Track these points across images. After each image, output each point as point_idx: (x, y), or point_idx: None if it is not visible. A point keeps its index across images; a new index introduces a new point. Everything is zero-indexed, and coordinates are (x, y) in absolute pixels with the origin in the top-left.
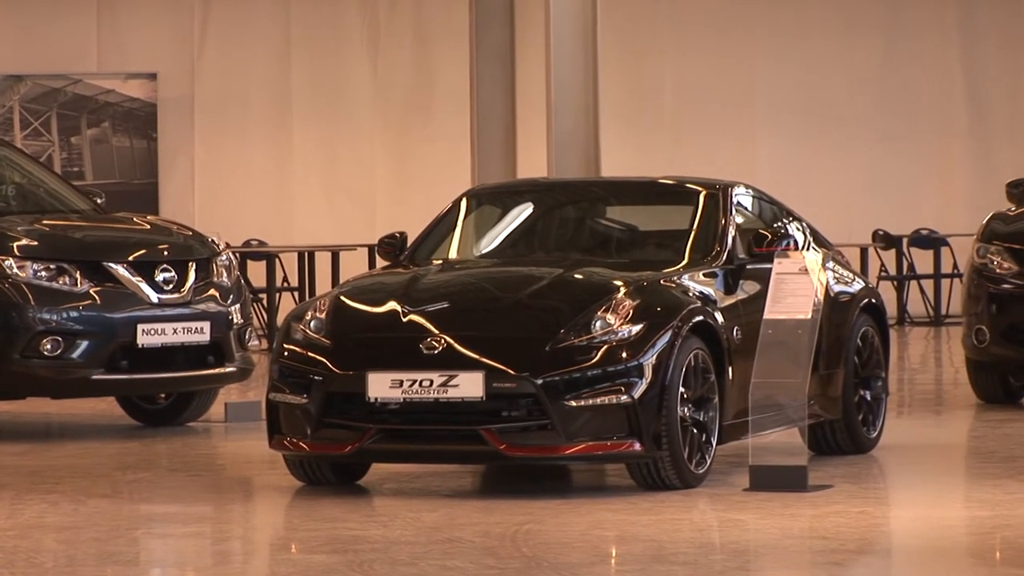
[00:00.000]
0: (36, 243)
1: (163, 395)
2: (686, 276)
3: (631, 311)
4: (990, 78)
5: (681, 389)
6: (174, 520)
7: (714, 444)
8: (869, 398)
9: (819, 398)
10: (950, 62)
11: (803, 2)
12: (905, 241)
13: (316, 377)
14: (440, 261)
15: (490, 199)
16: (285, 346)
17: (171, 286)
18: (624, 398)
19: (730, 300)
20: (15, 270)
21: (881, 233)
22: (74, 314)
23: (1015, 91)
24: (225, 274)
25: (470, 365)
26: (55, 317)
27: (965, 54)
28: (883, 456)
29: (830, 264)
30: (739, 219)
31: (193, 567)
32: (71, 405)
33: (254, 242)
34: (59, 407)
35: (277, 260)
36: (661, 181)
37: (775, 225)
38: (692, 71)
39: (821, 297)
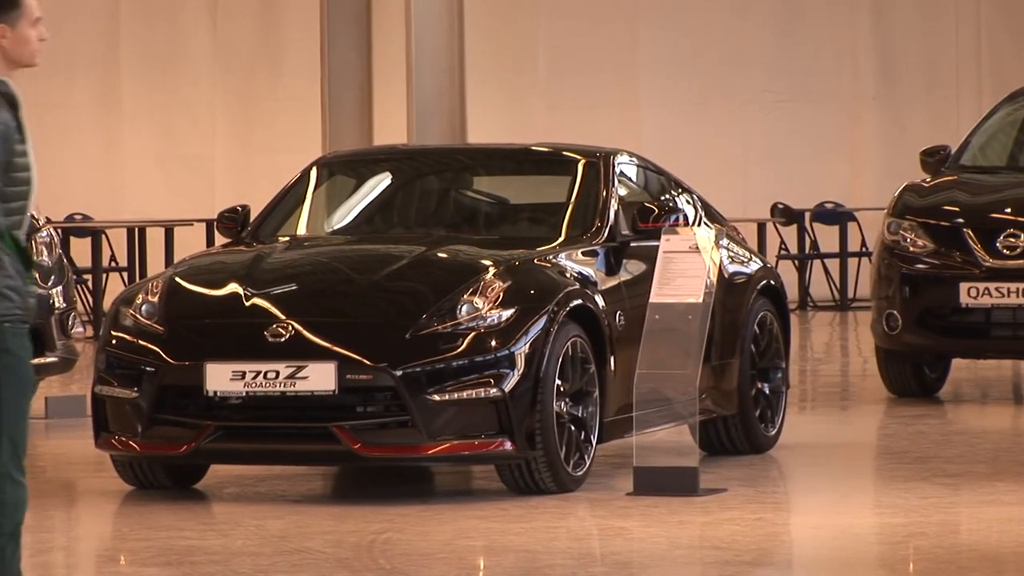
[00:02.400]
0: None
1: None
2: (563, 255)
3: (501, 294)
4: (901, 34)
5: (557, 382)
6: None
7: (594, 443)
8: (767, 391)
9: (711, 391)
10: (858, 17)
11: None
12: (807, 216)
13: (148, 368)
14: (287, 238)
15: (343, 168)
16: (113, 333)
17: None
18: (493, 392)
19: (612, 282)
20: None
21: (781, 207)
22: None
23: (930, 49)
24: (45, 252)
25: (321, 355)
26: None
27: (874, 8)
28: (783, 456)
29: (724, 241)
30: (622, 191)
31: None
32: None
33: (78, 216)
34: None
35: (104, 237)
36: (534, 148)
37: (662, 198)
38: (569, 30)
39: (714, 279)
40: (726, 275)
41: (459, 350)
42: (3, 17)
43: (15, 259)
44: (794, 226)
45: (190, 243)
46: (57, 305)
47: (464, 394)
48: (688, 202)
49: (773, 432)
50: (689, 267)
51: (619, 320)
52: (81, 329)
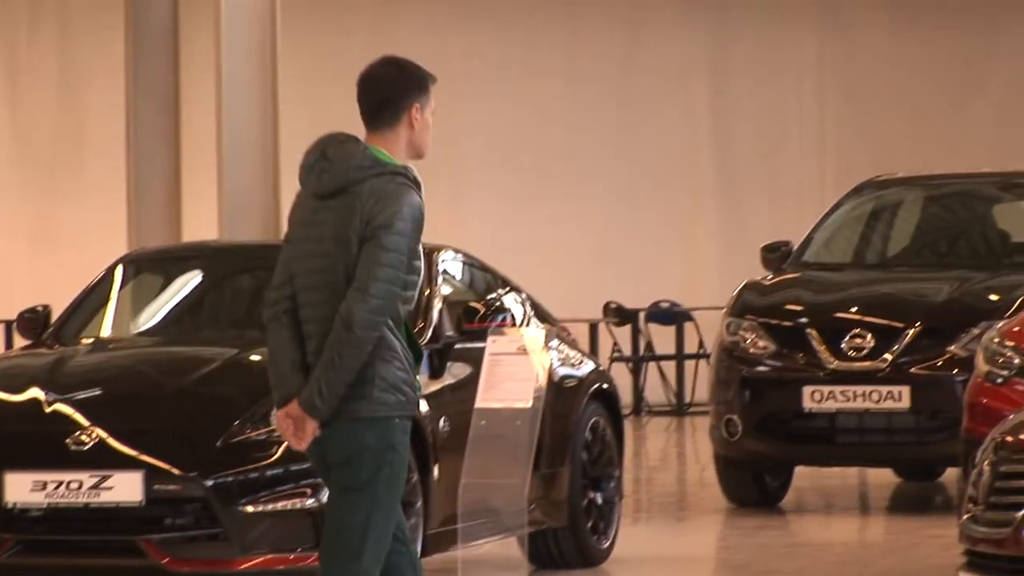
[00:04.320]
0: None
1: None
2: None
3: None
4: (741, 128)
5: None
6: None
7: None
8: (600, 501)
9: (541, 502)
10: (696, 112)
11: (525, 38)
12: (642, 316)
13: None
14: (91, 340)
15: (150, 266)
16: None
17: None
18: (310, 502)
19: (436, 386)
20: None
21: (614, 306)
22: None
23: (770, 142)
24: None
25: (126, 464)
26: None
27: (713, 102)
28: (616, 570)
29: (554, 343)
30: (446, 290)
31: None
32: None
33: None
34: None
35: None
36: None
37: (489, 297)
38: None
39: (543, 382)
40: (556, 378)
41: (273, 458)
42: (419, 98)
43: (407, 350)
44: (628, 326)
45: None
46: None
47: (279, 505)
48: (516, 301)
49: (606, 544)
50: (517, 370)
51: (443, 426)
52: None
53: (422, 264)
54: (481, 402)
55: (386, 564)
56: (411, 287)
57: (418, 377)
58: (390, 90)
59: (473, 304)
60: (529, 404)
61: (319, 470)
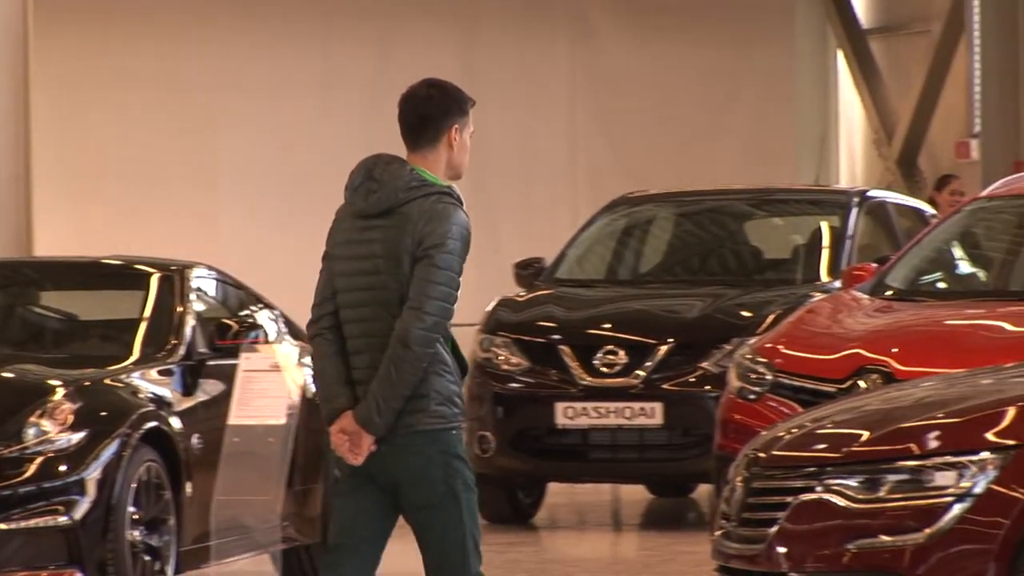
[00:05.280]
0: None
1: None
2: (136, 374)
3: (71, 416)
4: (494, 144)
5: (131, 508)
6: None
7: (170, 574)
8: None
9: (294, 518)
10: None
11: (276, 57)
12: None
13: None
14: None
15: None
16: None
17: None
18: (63, 520)
19: (189, 402)
20: None
21: None
22: None
23: (523, 159)
24: None
25: None
26: None
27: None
28: None
29: (307, 360)
30: (199, 306)
31: None
32: None
33: None
34: None
35: None
36: (105, 262)
37: (242, 314)
38: (141, 137)
39: (297, 399)
40: (309, 395)
41: (26, 476)
42: (458, 119)
43: (455, 363)
44: None
45: None
46: None
47: (31, 522)
48: (269, 318)
49: None
50: (270, 387)
51: (196, 443)
52: None
53: (460, 279)
54: (234, 419)
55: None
56: (454, 301)
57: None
58: (431, 111)
59: (226, 321)
60: (282, 421)
61: (360, 482)
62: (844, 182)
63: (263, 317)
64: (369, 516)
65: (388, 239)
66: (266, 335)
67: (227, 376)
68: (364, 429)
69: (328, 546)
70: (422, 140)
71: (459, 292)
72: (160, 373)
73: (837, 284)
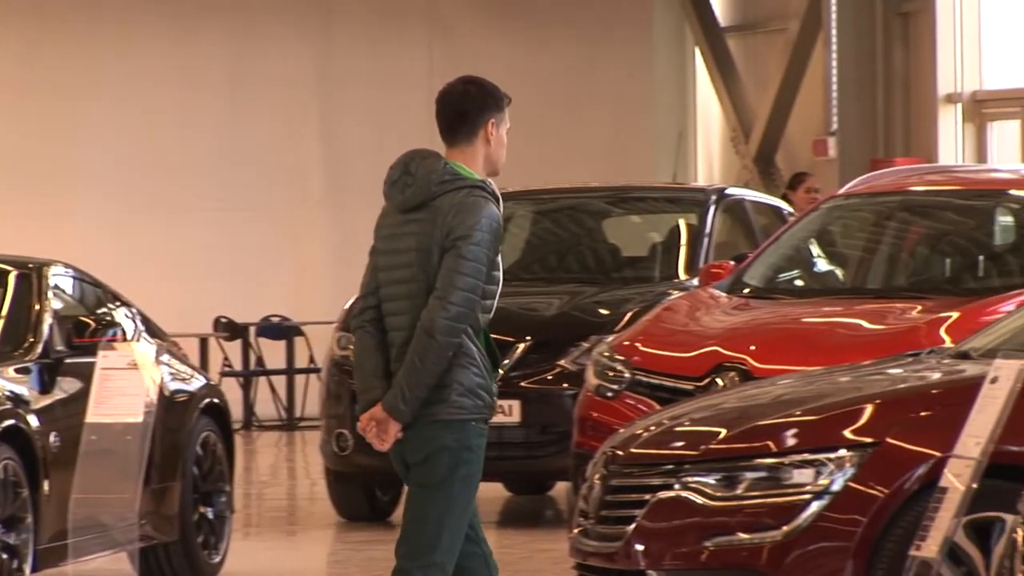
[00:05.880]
0: None
1: None
2: None
3: None
4: (351, 140)
5: None
6: None
7: (27, 572)
8: (211, 516)
9: (152, 516)
10: (306, 122)
11: (132, 57)
12: (252, 330)
13: None
14: None
15: None
16: None
17: None
18: None
19: (46, 400)
20: None
21: (224, 321)
22: None
23: (380, 154)
24: None
25: None
26: None
27: (322, 113)
28: None
29: (165, 357)
30: (57, 304)
31: None
32: None
33: None
34: None
35: None
36: None
37: (99, 311)
38: None
39: (154, 397)
40: (167, 393)
41: None
42: (495, 115)
43: (485, 357)
44: (238, 341)
45: None
46: None
47: None
48: (127, 316)
49: (217, 559)
50: (127, 385)
51: (54, 441)
52: None
53: (501, 274)
54: (92, 417)
55: (460, 563)
56: (490, 296)
57: (492, 382)
58: (468, 107)
59: (84, 318)
60: (140, 419)
61: (399, 470)
62: (702, 180)
63: (121, 315)
64: None
65: (421, 232)
66: (124, 333)
67: (85, 374)
68: (390, 416)
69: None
70: (459, 136)
71: (498, 287)
72: (17, 371)
73: (695, 282)
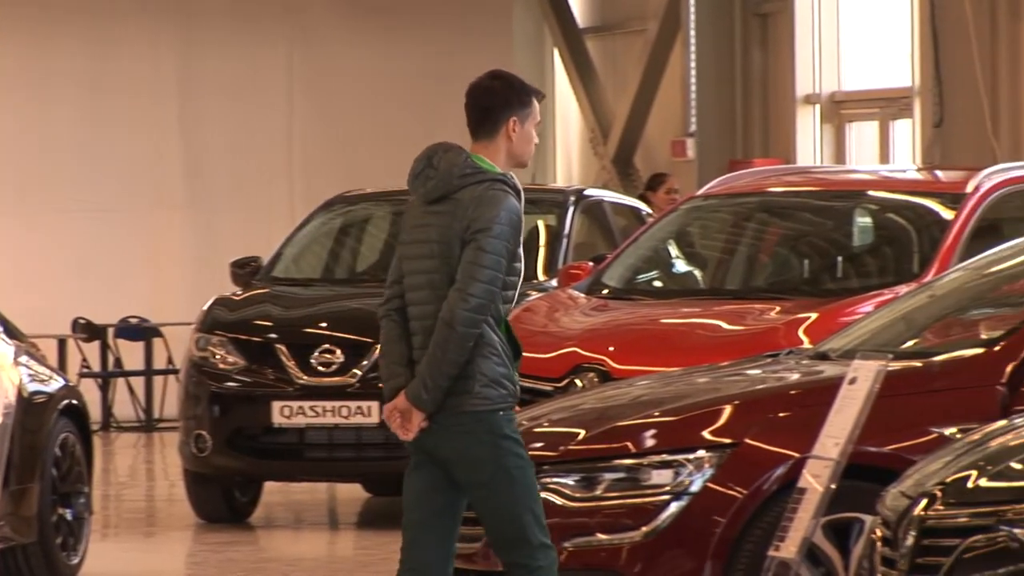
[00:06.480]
0: None
1: None
2: None
3: None
4: (209, 140)
5: None
6: None
7: None
8: (70, 517)
9: (10, 518)
10: (166, 125)
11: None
12: (111, 331)
13: None
14: None
15: None
16: None
17: None
18: None
19: None
20: None
21: (82, 322)
22: None
23: (239, 157)
24: None
25: None
26: None
27: (183, 116)
28: None
29: (23, 359)
30: None
31: None
32: None
33: None
34: None
35: None
36: None
37: None
38: None
39: (13, 399)
40: (26, 394)
41: None
42: (518, 111)
43: (507, 346)
44: (97, 342)
45: None
46: None
47: None
48: None
49: (76, 560)
50: None
51: None
52: None
53: (522, 265)
54: None
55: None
56: (511, 287)
57: (515, 371)
58: (490, 102)
59: None
60: None
61: (419, 458)
62: (561, 181)
63: None
64: (432, 490)
65: (442, 225)
66: None
67: None
68: (414, 406)
69: (403, 525)
70: (482, 131)
71: (519, 278)
72: None
73: (554, 283)
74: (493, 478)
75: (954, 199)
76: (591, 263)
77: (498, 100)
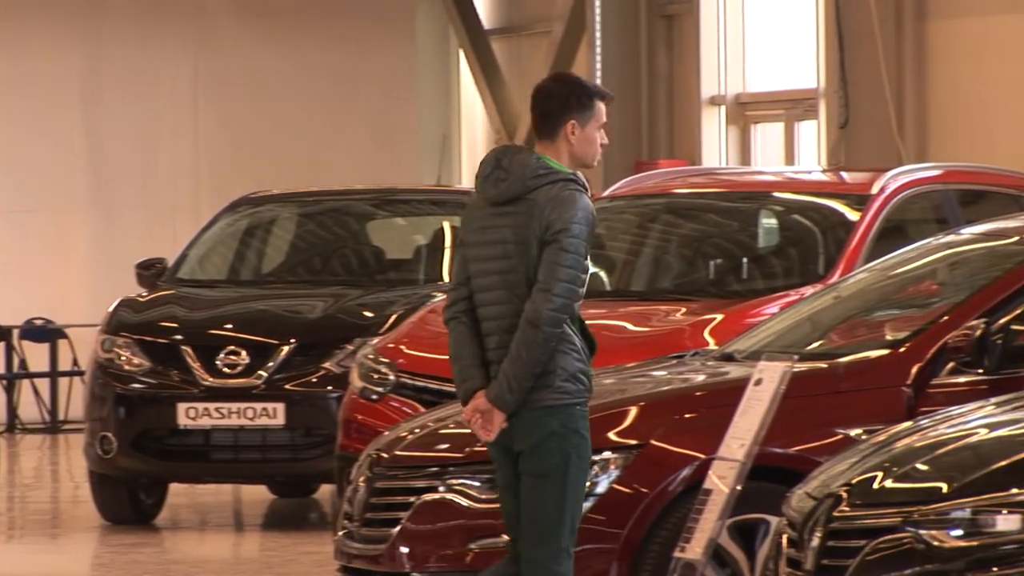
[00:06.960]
0: None
1: None
2: None
3: None
4: (115, 140)
5: None
6: None
7: None
8: None
9: None
10: (70, 126)
11: None
12: (16, 333)
13: None
14: None
15: None
16: None
17: None
18: None
19: None
20: None
21: None
22: None
23: (145, 157)
24: None
25: None
26: None
27: (87, 117)
28: None
29: None
30: None
31: None
32: None
33: None
34: None
35: None
36: None
37: None
38: None
39: None
40: None
41: None
42: (578, 115)
43: (583, 342)
44: (2, 344)
45: None
46: None
47: None
48: None
49: None
50: None
51: None
52: None
53: (589, 262)
54: None
55: None
56: (584, 284)
57: (590, 366)
58: (548, 106)
59: None
60: None
61: (499, 457)
62: (466, 182)
63: None
64: (518, 483)
65: (517, 225)
66: None
67: None
68: (496, 406)
69: (508, 541)
70: (543, 133)
71: (587, 275)
72: None
73: None
74: (555, 471)
75: (859, 200)
76: None
77: (556, 103)
